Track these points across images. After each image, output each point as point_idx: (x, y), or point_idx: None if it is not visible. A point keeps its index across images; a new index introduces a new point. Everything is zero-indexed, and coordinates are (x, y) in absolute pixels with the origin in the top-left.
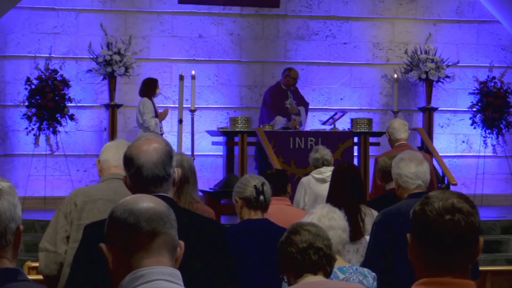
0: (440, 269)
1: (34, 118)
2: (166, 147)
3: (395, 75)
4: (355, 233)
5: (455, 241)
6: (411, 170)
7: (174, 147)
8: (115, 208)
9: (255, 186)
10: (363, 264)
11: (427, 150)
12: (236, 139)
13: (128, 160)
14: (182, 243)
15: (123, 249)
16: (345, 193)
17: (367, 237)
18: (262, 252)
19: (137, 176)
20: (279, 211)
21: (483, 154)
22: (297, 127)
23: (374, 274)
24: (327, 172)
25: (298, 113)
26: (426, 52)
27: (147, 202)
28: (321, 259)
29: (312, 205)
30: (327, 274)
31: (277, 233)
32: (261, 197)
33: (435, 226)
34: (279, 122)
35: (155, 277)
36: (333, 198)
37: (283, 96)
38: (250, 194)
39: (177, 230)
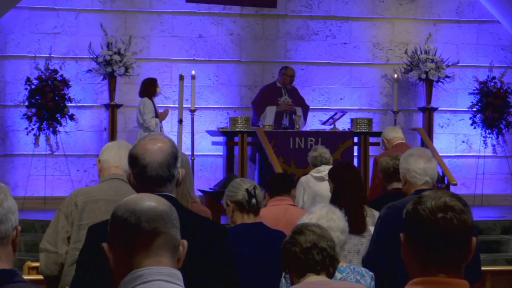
0: (433, 268)
1: (34, 118)
2: (172, 148)
3: (395, 75)
4: (360, 227)
5: (448, 239)
6: (420, 166)
7: None
8: (116, 208)
9: (247, 189)
10: (366, 256)
11: None
12: (236, 139)
13: (133, 159)
14: (185, 242)
15: (124, 249)
16: (346, 193)
17: (369, 237)
18: (258, 255)
19: (141, 175)
20: (283, 211)
21: (483, 154)
22: (298, 127)
23: (371, 273)
24: (325, 170)
25: (294, 112)
26: (426, 52)
27: (148, 201)
28: (325, 260)
29: (311, 204)
30: (330, 275)
31: (273, 237)
32: (253, 200)
33: (428, 225)
34: (270, 111)
35: (153, 277)
36: (336, 199)
37: (277, 94)
38: (242, 198)
39: (179, 230)
